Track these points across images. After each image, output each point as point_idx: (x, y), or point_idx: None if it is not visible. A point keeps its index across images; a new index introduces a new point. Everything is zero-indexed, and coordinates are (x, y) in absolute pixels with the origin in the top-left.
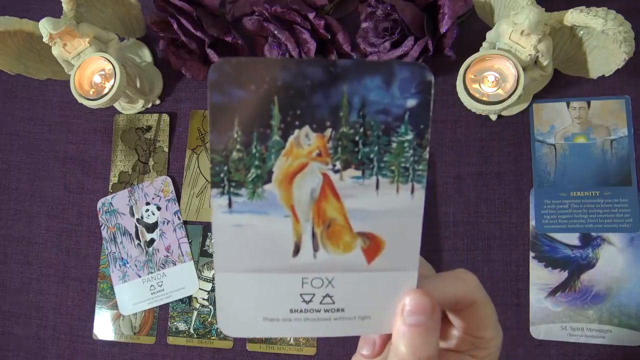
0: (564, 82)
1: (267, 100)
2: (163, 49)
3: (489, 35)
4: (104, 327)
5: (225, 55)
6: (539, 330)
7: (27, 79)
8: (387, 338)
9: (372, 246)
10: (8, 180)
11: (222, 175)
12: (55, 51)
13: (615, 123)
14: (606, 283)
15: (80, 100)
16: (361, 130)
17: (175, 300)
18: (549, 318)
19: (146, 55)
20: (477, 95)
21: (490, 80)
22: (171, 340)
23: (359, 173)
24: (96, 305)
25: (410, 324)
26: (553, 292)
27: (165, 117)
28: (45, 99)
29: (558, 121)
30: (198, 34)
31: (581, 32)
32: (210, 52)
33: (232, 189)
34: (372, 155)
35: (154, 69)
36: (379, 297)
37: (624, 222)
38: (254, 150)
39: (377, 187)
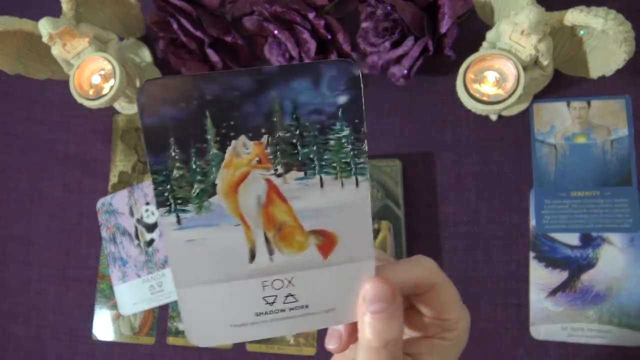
0: (564, 82)
1: (199, 115)
2: (163, 49)
3: (489, 35)
4: (103, 327)
5: (225, 55)
6: (539, 330)
7: (27, 79)
8: (353, 330)
9: (326, 242)
10: (8, 180)
11: (166, 194)
12: (55, 51)
13: (615, 123)
14: (606, 283)
15: (80, 100)
16: (297, 132)
17: (175, 301)
18: (549, 318)
19: (146, 55)
20: (477, 95)
21: (491, 80)
22: (171, 340)
23: (301, 174)
24: (96, 306)
25: (372, 311)
26: (553, 292)
27: None
28: (45, 99)
29: (558, 121)
30: (198, 34)
31: (581, 32)
32: (210, 52)
33: (178, 207)
34: (312, 155)
35: (154, 69)
36: (340, 289)
37: (624, 222)
38: (194, 166)
39: (322, 185)
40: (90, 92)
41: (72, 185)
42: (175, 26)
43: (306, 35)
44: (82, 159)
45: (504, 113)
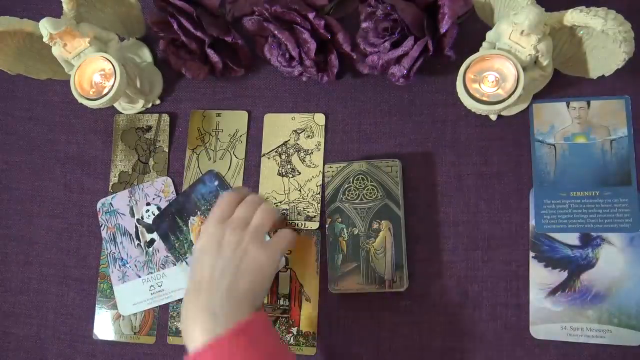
0: (564, 82)
1: (173, 216)
2: (163, 49)
3: (489, 35)
4: (104, 327)
5: (225, 55)
6: (539, 330)
7: (27, 79)
8: None
9: None
10: (8, 180)
11: (176, 254)
12: (56, 51)
13: (615, 123)
14: (606, 283)
15: (81, 100)
16: (208, 206)
17: (175, 301)
18: (549, 318)
19: (146, 55)
20: (477, 95)
21: (490, 80)
22: (171, 340)
23: None
24: (96, 305)
25: None
26: (553, 292)
27: (165, 117)
28: (45, 99)
29: (558, 121)
30: (198, 34)
31: (581, 32)
32: (210, 52)
33: (182, 257)
34: None
35: (154, 69)
36: None
37: (624, 222)
38: (180, 237)
39: None
40: (91, 92)
41: (72, 185)
42: (175, 26)
43: (306, 36)
44: (83, 159)
45: (504, 113)
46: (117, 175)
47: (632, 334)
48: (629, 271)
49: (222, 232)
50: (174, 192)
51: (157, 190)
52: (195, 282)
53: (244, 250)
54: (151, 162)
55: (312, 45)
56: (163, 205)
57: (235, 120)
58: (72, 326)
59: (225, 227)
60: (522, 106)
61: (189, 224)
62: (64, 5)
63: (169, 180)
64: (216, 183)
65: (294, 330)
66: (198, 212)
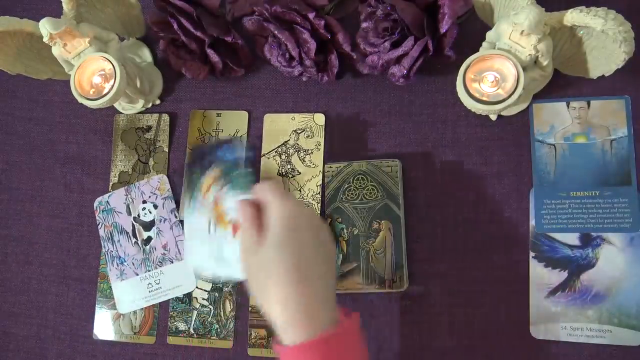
0: (564, 82)
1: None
2: (163, 49)
3: (489, 35)
4: (104, 327)
5: (225, 55)
6: (539, 330)
7: (27, 79)
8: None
9: (235, 227)
10: (8, 180)
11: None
12: (56, 51)
13: (615, 123)
14: (606, 283)
15: (81, 100)
16: (224, 167)
17: (175, 300)
18: (549, 318)
19: (146, 55)
20: (477, 95)
21: (490, 80)
22: (171, 340)
23: (226, 189)
24: (96, 305)
25: None
26: (553, 292)
27: (165, 117)
28: (45, 99)
29: (558, 121)
30: (198, 34)
31: (581, 32)
32: (210, 52)
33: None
34: (227, 179)
35: (154, 69)
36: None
37: (624, 222)
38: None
39: (234, 195)
40: (91, 92)
41: (72, 185)
42: (175, 26)
43: (306, 36)
44: (83, 159)
45: (504, 113)
46: (117, 175)
47: (632, 334)
48: (629, 271)
49: (301, 210)
50: (170, 190)
51: (153, 188)
52: (294, 263)
53: (324, 237)
54: (151, 162)
55: (312, 45)
56: (159, 203)
57: (235, 120)
58: (72, 326)
59: (301, 205)
60: (522, 106)
61: (201, 181)
62: (64, 5)
63: (165, 178)
64: (236, 155)
65: None
66: (214, 167)
